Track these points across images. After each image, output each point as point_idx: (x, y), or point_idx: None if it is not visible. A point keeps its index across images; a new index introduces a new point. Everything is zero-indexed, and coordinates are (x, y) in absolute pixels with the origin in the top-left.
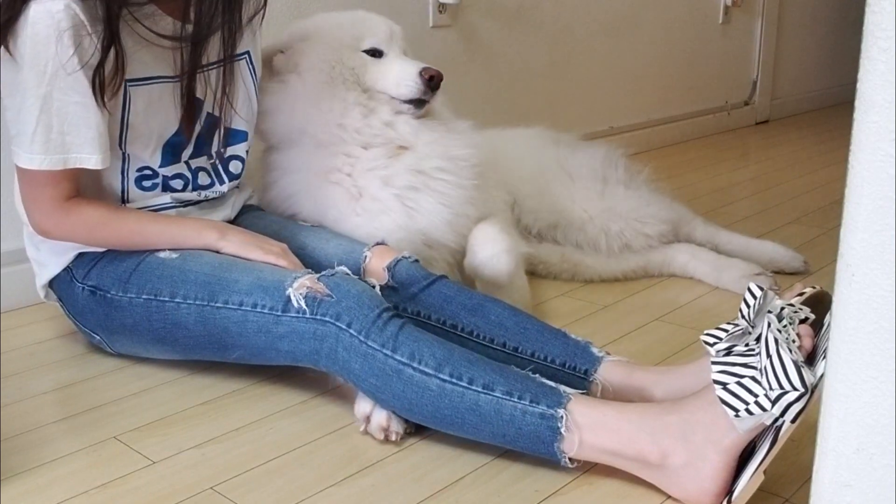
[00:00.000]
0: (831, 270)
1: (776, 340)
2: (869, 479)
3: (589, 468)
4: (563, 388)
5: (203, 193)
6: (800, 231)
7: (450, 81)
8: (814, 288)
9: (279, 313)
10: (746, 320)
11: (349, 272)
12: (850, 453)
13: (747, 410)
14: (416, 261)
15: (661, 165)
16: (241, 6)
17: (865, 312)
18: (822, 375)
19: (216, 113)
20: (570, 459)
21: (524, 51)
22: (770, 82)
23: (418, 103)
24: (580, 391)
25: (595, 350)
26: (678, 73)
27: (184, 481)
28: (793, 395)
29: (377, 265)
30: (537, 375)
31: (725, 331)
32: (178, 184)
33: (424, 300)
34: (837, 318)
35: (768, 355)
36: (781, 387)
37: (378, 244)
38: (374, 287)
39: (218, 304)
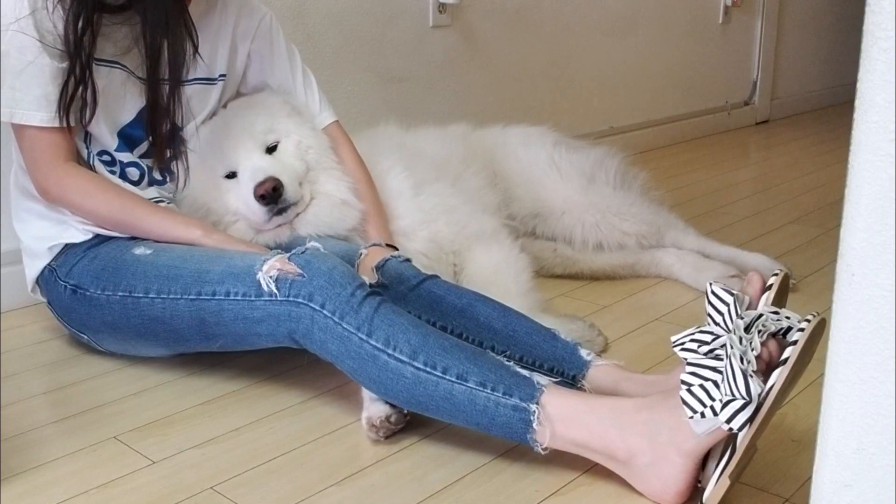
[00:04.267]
0: (831, 270)
1: (731, 346)
2: (869, 479)
3: (589, 468)
4: (536, 378)
5: (159, 189)
6: (800, 231)
7: (450, 81)
8: (776, 274)
9: (252, 298)
10: (723, 327)
11: (320, 247)
12: (850, 453)
13: (702, 414)
14: (408, 260)
15: (661, 165)
16: (179, 32)
17: (865, 312)
18: (770, 387)
19: (178, 123)
20: (541, 449)
21: (524, 51)
22: (770, 82)
23: (275, 215)
24: (552, 379)
25: (583, 353)
26: (678, 73)
27: (184, 481)
28: (739, 403)
29: (368, 264)
30: (511, 364)
31: (704, 342)
32: (133, 173)
33: (414, 300)
34: (837, 318)
35: (727, 361)
36: (732, 394)
37: (374, 245)
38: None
39: (191, 297)
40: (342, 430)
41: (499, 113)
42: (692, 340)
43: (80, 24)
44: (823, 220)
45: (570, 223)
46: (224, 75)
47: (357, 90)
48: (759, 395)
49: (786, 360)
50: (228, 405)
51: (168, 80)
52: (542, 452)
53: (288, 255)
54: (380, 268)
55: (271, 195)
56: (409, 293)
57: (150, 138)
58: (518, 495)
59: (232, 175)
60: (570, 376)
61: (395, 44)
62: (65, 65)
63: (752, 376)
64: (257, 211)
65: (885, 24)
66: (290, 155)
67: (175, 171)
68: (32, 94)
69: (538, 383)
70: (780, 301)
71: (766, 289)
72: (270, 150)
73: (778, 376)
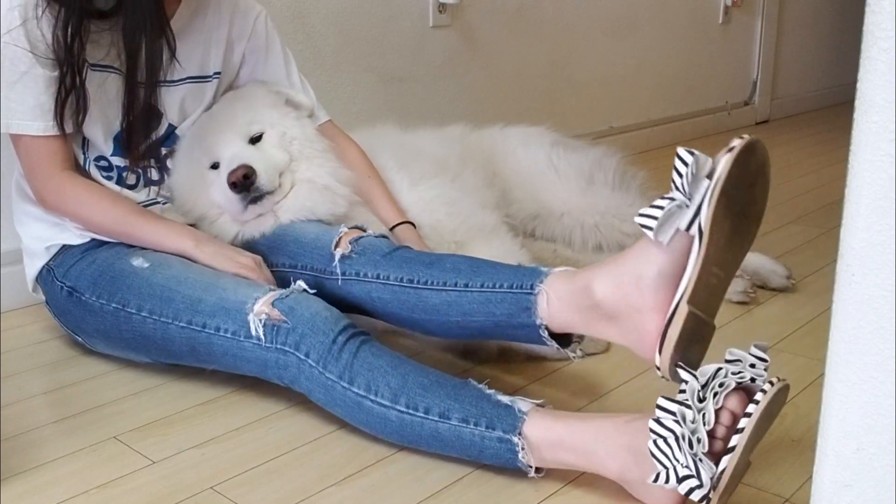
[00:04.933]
0: (831, 270)
1: (682, 422)
2: (869, 479)
3: None
4: (518, 405)
5: (155, 190)
6: (800, 231)
7: (450, 81)
8: (742, 138)
9: (241, 339)
10: (681, 192)
11: (306, 288)
12: (850, 453)
13: (666, 476)
14: (384, 236)
15: (661, 165)
16: (156, 36)
17: (865, 312)
18: (722, 471)
19: (174, 123)
20: (535, 472)
21: (524, 51)
22: (770, 82)
23: (249, 203)
24: (535, 402)
25: (543, 268)
26: (678, 73)
27: (184, 481)
28: (694, 482)
29: (346, 238)
30: (492, 392)
31: (661, 208)
32: (130, 177)
33: (385, 264)
34: (837, 318)
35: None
36: (688, 468)
37: (355, 227)
38: (335, 260)
39: (182, 324)
40: (342, 430)
41: (499, 113)
42: (652, 206)
43: (69, 30)
44: (823, 220)
45: (569, 225)
46: (219, 73)
47: (357, 90)
48: (712, 478)
49: (745, 427)
50: (228, 405)
51: (144, 83)
52: (537, 476)
53: (274, 297)
54: (353, 242)
55: (242, 183)
56: (381, 259)
57: (126, 139)
58: (518, 495)
59: (216, 166)
60: (529, 286)
61: (395, 44)
62: (57, 73)
63: (701, 461)
64: (231, 199)
65: (885, 24)
66: (273, 145)
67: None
68: (27, 105)
69: (519, 411)
70: (750, 165)
71: (728, 150)
72: (255, 140)
73: (728, 462)
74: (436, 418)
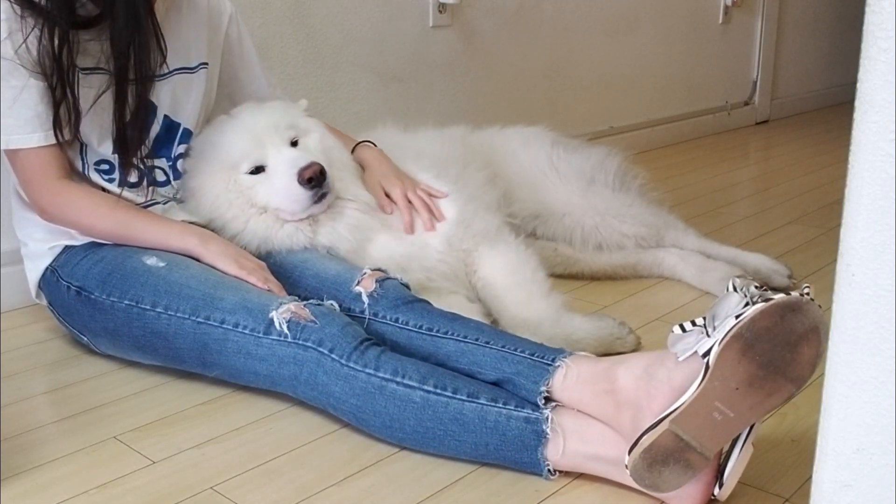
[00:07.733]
0: (831, 270)
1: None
2: (869, 479)
3: None
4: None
5: (158, 191)
6: (800, 231)
7: (450, 81)
8: (789, 295)
9: (260, 335)
10: (712, 320)
11: (336, 307)
12: (850, 453)
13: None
14: (406, 285)
15: (661, 165)
16: (147, 41)
17: (865, 312)
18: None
19: (173, 117)
20: (550, 470)
21: (524, 51)
22: (770, 82)
23: (316, 201)
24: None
25: (568, 349)
26: (678, 73)
27: (184, 481)
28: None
29: (369, 279)
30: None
31: (694, 324)
32: (133, 177)
33: (406, 310)
34: (837, 318)
35: None
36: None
37: (378, 269)
38: (360, 294)
39: (199, 319)
40: (342, 430)
41: (498, 113)
42: (691, 321)
43: (55, 41)
44: (823, 220)
45: (570, 225)
46: (205, 63)
47: (357, 90)
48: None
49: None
50: (228, 405)
51: (134, 83)
52: (551, 477)
53: (304, 303)
54: (380, 281)
55: (318, 178)
56: (402, 305)
57: (120, 140)
58: (518, 495)
59: (257, 170)
60: (551, 358)
61: (395, 44)
62: (47, 83)
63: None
64: (301, 196)
65: (885, 24)
66: (314, 149)
67: (182, 170)
68: (24, 118)
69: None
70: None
71: (765, 300)
72: (292, 145)
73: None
74: (463, 397)
